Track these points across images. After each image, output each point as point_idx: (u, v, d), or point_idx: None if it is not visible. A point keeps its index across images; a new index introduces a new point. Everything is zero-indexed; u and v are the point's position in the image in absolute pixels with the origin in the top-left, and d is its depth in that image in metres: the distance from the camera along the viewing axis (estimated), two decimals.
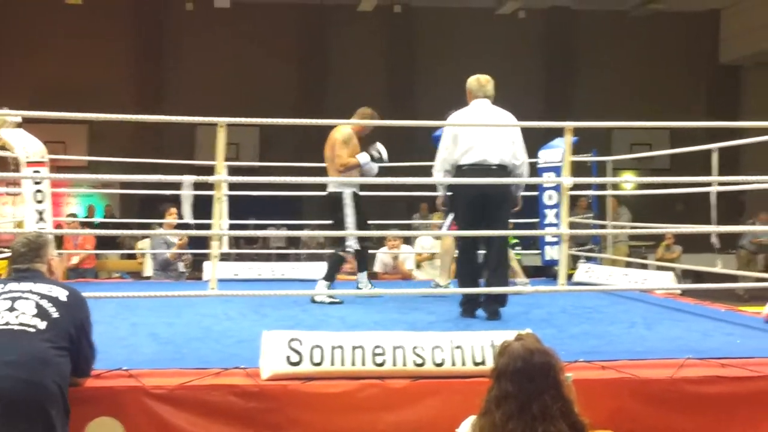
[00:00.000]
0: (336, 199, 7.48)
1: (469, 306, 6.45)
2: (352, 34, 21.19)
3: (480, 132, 6.38)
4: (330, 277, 7.50)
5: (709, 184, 6.97)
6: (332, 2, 21.04)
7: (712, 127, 8.03)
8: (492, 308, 6.31)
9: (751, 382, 4.32)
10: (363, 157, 7.55)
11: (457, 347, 4.20)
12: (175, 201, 8.69)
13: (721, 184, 7.18)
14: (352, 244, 7.52)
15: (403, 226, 10.85)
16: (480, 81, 6.64)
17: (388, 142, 7.70)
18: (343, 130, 7.60)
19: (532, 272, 8.65)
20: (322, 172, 7.90)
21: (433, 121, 6.88)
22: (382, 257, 10.48)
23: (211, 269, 5.09)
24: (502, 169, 6.38)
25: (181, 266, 10.04)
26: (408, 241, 11.23)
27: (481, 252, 6.60)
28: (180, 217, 9.05)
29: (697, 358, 4.50)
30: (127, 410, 3.88)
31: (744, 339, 5.48)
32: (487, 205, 6.31)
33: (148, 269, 12.16)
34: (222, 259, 9.64)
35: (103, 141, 19.22)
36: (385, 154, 7.75)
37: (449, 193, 6.73)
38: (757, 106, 21.08)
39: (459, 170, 6.42)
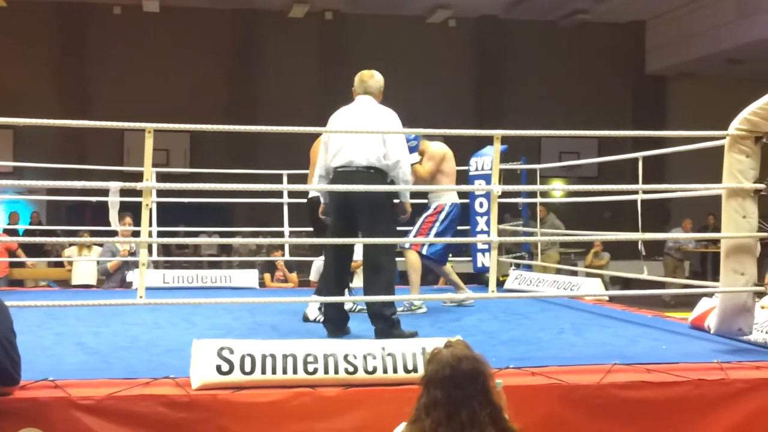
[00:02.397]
0: (315, 205, 6.63)
1: (333, 324, 5.84)
2: (283, 40, 21.06)
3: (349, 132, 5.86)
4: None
5: (635, 192, 7.07)
6: (263, 8, 20.91)
7: (639, 136, 8.18)
8: (378, 327, 5.66)
9: (676, 387, 4.38)
10: None
11: (389, 354, 4.18)
12: (130, 209, 8.54)
13: (646, 192, 7.29)
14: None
15: None
16: (362, 77, 6.15)
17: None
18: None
19: (464, 279, 8.68)
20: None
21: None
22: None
23: (140, 277, 4.99)
24: (373, 172, 5.74)
25: (128, 275, 9.92)
26: None
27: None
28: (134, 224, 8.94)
29: (624, 363, 4.55)
30: (53, 422, 3.78)
31: (670, 345, 5.58)
32: (355, 212, 5.72)
33: (77, 277, 12.00)
34: (151, 267, 9.55)
35: (29, 146, 18.81)
36: None
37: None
38: (681, 116, 21.55)
39: (334, 174, 5.88)
